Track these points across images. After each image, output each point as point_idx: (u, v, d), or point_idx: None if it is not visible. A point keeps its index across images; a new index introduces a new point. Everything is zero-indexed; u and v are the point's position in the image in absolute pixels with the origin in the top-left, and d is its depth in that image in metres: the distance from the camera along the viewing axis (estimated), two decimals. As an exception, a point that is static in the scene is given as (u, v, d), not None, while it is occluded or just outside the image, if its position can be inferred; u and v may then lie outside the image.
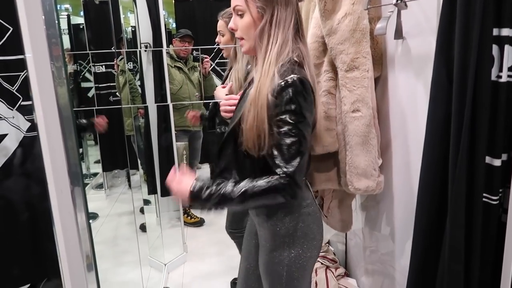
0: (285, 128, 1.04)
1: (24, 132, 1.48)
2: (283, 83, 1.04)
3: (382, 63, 1.60)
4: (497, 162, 0.81)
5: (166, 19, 4.60)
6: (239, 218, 2.01)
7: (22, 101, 1.47)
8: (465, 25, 0.78)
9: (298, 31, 1.15)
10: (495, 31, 0.76)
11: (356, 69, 1.47)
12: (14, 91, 1.47)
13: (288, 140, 1.04)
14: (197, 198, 1.08)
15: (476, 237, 0.82)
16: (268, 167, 1.07)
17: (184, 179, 1.12)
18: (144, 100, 3.15)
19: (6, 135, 1.46)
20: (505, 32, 0.75)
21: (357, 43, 1.45)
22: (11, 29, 1.40)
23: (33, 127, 1.48)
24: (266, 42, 1.11)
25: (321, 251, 2.13)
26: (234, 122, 1.17)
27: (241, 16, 1.14)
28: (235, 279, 2.41)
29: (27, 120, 1.48)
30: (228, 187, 1.06)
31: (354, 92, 1.47)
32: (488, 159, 0.82)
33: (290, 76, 1.05)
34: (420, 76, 1.36)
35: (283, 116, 1.04)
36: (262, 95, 1.05)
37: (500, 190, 0.84)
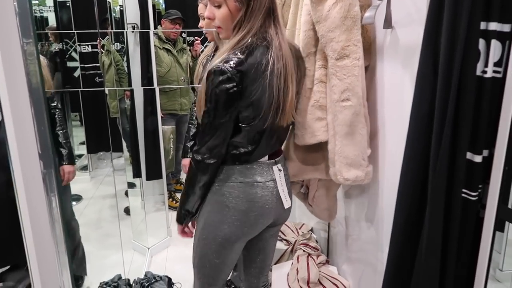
0: (204, 115, 1.20)
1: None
2: (211, 69, 1.15)
3: (371, 52, 1.58)
4: (478, 159, 0.80)
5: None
6: None
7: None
8: (452, 18, 0.76)
9: (271, 15, 1.23)
10: (482, 25, 0.75)
11: (346, 57, 1.44)
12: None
13: (203, 121, 1.21)
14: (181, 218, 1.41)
15: (453, 232, 0.82)
16: None
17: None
18: (130, 83, 3.09)
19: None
20: (493, 26, 0.74)
21: (348, 30, 1.43)
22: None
23: None
24: (237, 31, 1.20)
25: (304, 238, 2.15)
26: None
27: (218, 7, 1.19)
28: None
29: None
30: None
31: (344, 81, 1.45)
32: (469, 155, 0.81)
33: (218, 64, 1.15)
34: (408, 66, 1.34)
35: (206, 101, 1.18)
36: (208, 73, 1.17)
37: (480, 186, 0.84)
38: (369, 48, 1.57)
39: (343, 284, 1.83)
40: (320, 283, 1.84)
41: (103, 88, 3.18)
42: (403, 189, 0.94)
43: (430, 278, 0.85)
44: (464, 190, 0.83)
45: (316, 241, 2.21)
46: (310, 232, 2.25)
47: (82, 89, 3.39)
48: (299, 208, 2.53)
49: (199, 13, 2.00)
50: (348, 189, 1.89)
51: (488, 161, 0.82)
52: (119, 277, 2.00)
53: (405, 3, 1.29)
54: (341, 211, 1.95)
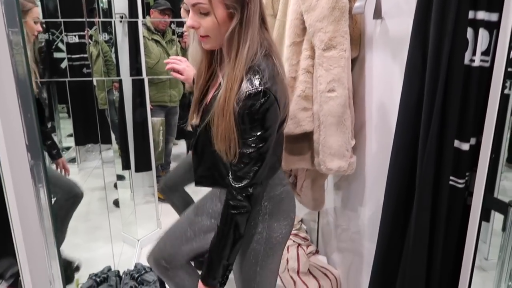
0: (247, 146, 1.04)
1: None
2: (248, 92, 0.99)
3: (360, 43, 1.58)
4: (465, 146, 0.81)
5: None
6: (179, 181, 2.11)
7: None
8: (441, 7, 0.77)
9: (262, 18, 1.07)
10: (470, 14, 0.76)
11: (333, 48, 1.44)
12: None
13: (246, 159, 1.05)
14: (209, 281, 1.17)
15: (440, 220, 0.84)
16: None
17: None
18: (118, 74, 3.06)
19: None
20: (481, 15, 0.75)
21: (335, 21, 1.43)
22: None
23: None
24: (237, 44, 1.01)
25: (294, 229, 2.16)
26: (204, 124, 1.12)
27: (205, 14, 1.00)
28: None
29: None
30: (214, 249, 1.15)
31: (331, 72, 1.45)
32: (456, 143, 0.82)
33: (255, 86, 0.99)
34: (397, 57, 1.35)
35: (247, 130, 1.02)
36: (231, 103, 1.01)
37: (467, 174, 0.85)
38: (358, 39, 1.58)
39: (332, 273, 1.86)
40: (310, 272, 1.85)
41: (91, 78, 3.13)
42: (391, 180, 0.95)
43: (418, 265, 0.86)
44: (451, 178, 0.85)
45: (306, 231, 2.23)
46: (300, 222, 2.27)
47: (69, 79, 3.33)
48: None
49: (182, 16, 1.94)
50: (338, 180, 1.91)
51: (475, 149, 0.84)
52: (109, 269, 1.99)
53: (395, -6, 1.30)
54: (331, 202, 1.97)
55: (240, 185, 1.07)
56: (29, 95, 0.73)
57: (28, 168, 0.72)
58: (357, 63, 1.61)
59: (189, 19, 1.03)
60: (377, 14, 1.37)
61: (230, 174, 1.10)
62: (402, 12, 1.30)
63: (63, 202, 2.01)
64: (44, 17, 3.78)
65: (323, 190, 1.82)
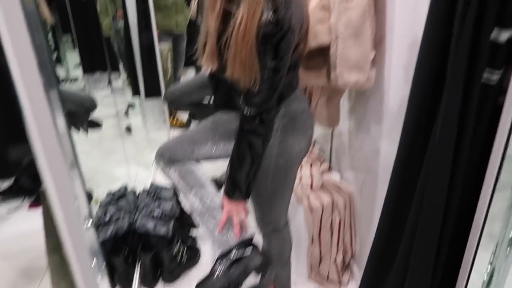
0: (262, 74, 1.05)
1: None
2: (269, 20, 0.99)
3: None
4: (504, 36, 0.75)
5: None
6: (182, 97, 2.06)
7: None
8: None
9: None
10: None
11: (354, -51, 1.32)
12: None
13: (260, 86, 1.07)
14: (232, 194, 1.22)
15: (470, 117, 0.80)
16: None
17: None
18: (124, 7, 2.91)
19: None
20: None
21: None
22: None
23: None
24: None
25: (307, 149, 2.16)
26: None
27: None
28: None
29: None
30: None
31: (351, -23, 1.34)
32: (494, 33, 0.75)
33: (271, 15, 0.98)
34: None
35: (266, 58, 1.03)
36: (252, 30, 0.99)
37: (503, 67, 0.79)
38: None
39: (345, 190, 1.88)
40: (323, 187, 1.88)
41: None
42: (413, 98, 0.89)
43: (439, 180, 0.84)
44: (485, 75, 0.79)
45: (319, 150, 2.23)
46: (313, 142, 2.26)
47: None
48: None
49: None
50: (353, 103, 1.85)
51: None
52: (125, 188, 2.04)
53: None
54: (345, 122, 1.94)
55: (255, 111, 1.12)
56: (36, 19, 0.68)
57: (43, 96, 0.68)
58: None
59: None
60: None
61: (243, 100, 1.12)
62: None
63: (76, 114, 2.03)
64: None
65: (338, 107, 1.78)
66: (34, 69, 0.63)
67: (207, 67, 1.18)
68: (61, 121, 0.92)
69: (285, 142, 1.25)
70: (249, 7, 0.98)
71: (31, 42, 0.63)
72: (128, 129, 2.95)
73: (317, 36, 1.48)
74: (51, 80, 0.80)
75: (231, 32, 1.02)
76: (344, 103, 1.91)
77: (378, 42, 1.51)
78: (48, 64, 0.79)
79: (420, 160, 0.98)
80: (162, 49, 3.13)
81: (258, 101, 1.10)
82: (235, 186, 1.21)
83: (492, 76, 0.79)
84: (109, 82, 3.66)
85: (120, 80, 3.35)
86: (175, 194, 2.01)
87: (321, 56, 1.57)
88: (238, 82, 1.08)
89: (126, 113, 3.08)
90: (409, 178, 1.04)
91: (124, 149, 2.42)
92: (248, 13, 0.98)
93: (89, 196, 2.13)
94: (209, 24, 1.09)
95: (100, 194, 2.09)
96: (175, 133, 3.29)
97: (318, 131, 2.27)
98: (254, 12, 0.98)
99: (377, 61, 1.53)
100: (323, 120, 1.77)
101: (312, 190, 1.84)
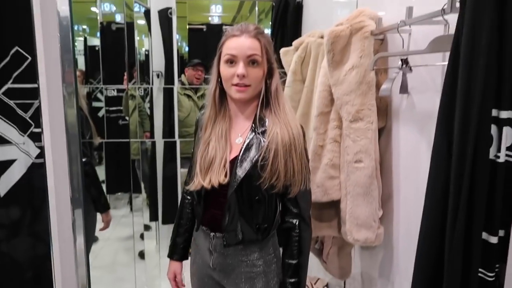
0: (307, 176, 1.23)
1: (33, 158, 1.53)
2: (299, 130, 1.21)
3: (387, 114, 1.62)
4: (493, 240, 0.81)
5: (179, 44, 4.69)
6: None
7: (34, 128, 1.53)
8: (465, 103, 0.80)
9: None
10: (494, 112, 0.78)
11: (360, 120, 1.49)
12: (27, 118, 1.53)
13: (308, 187, 1.25)
14: None
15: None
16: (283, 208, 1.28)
17: None
18: (152, 127, 3.20)
19: (15, 160, 1.50)
20: (504, 114, 0.77)
21: (363, 95, 1.48)
22: (30, 58, 1.47)
23: (42, 154, 1.54)
24: (276, 89, 1.23)
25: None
26: (245, 172, 1.18)
27: (255, 65, 1.17)
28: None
29: (37, 146, 1.53)
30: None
31: (358, 143, 1.48)
32: (484, 235, 0.82)
33: (297, 123, 1.23)
34: (424, 131, 1.37)
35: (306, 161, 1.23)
36: (296, 140, 1.19)
37: (497, 266, 0.84)
38: (386, 110, 1.62)
39: None
40: None
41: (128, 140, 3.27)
42: (419, 265, 0.94)
43: None
44: (481, 270, 0.84)
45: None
46: (325, 287, 2.21)
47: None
48: (315, 263, 2.50)
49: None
50: (365, 249, 1.88)
51: (504, 241, 0.83)
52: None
53: (420, 72, 1.34)
54: (357, 269, 1.93)
55: (308, 214, 1.28)
56: (77, 149, 0.80)
57: (70, 217, 0.78)
58: (384, 133, 1.64)
59: (240, 69, 1.15)
60: (404, 89, 1.42)
61: (295, 207, 1.25)
62: (428, 89, 1.34)
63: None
64: (87, 70, 4.07)
65: (350, 258, 1.79)
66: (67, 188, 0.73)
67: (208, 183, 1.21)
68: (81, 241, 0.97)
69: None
70: (285, 122, 1.20)
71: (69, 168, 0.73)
72: (141, 255, 2.97)
73: (328, 192, 1.58)
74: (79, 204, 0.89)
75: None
76: (356, 248, 1.92)
77: (386, 200, 1.60)
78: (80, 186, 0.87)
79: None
80: (183, 174, 3.30)
81: (309, 202, 1.28)
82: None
83: (488, 274, 0.83)
84: (130, 202, 3.79)
85: (140, 198, 3.47)
86: None
87: (333, 208, 1.66)
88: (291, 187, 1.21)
89: (141, 236, 3.13)
90: None
91: (135, 278, 2.41)
92: (287, 126, 1.20)
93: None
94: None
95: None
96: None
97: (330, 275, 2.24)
98: (295, 125, 1.22)
99: (386, 217, 1.60)
100: (335, 270, 1.77)
101: None
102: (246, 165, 1.18)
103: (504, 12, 0.76)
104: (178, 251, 1.45)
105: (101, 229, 2.23)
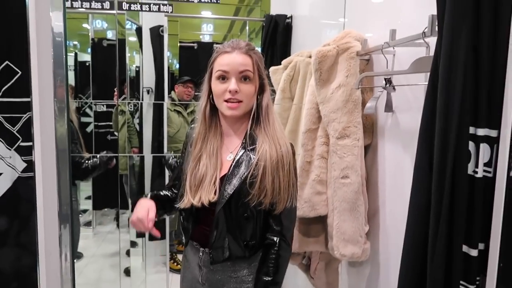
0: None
1: (19, 172, 1.52)
2: (288, 149, 1.22)
3: (373, 131, 1.66)
4: (474, 253, 0.84)
5: (170, 61, 4.73)
6: None
7: (21, 141, 1.52)
8: (443, 122, 0.84)
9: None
10: (471, 130, 0.82)
11: (347, 137, 1.53)
12: (14, 131, 1.52)
13: (294, 205, 1.24)
14: None
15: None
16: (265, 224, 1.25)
17: None
18: (141, 143, 3.20)
19: (1, 174, 1.49)
20: (481, 132, 0.81)
21: (349, 112, 1.52)
22: (20, 72, 1.48)
23: (29, 168, 1.53)
24: (267, 105, 1.24)
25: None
26: (234, 189, 1.18)
27: (247, 81, 1.18)
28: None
29: (23, 160, 1.52)
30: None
31: (344, 159, 1.52)
32: (465, 248, 0.85)
33: (286, 142, 1.23)
34: (408, 147, 1.41)
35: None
36: (285, 157, 1.19)
37: (478, 279, 0.86)
38: (372, 127, 1.66)
39: None
40: None
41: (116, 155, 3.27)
42: (404, 278, 0.96)
43: None
44: (462, 282, 0.86)
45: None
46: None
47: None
48: (302, 279, 2.49)
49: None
50: (352, 264, 1.89)
51: (484, 254, 0.86)
52: None
53: (404, 91, 1.39)
54: (345, 284, 1.93)
55: (290, 234, 1.26)
56: (66, 165, 0.82)
57: (57, 233, 0.79)
58: (370, 150, 1.68)
59: (232, 84, 1.16)
60: (388, 108, 1.46)
61: (277, 225, 1.23)
62: (412, 107, 1.39)
63: None
64: (76, 86, 4.07)
65: (337, 273, 1.80)
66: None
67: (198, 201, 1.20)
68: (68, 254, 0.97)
69: None
70: (274, 140, 1.20)
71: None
72: (127, 272, 2.93)
73: (315, 207, 1.60)
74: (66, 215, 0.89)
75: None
76: (343, 263, 1.94)
77: (372, 216, 1.63)
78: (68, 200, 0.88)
79: None
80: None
81: (292, 222, 1.27)
82: None
83: (469, 286, 0.85)
84: (116, 218, 3.75)
85: (127, 214, 3.44)
86: None
87: (320, 223, 1.68)
88: (276, 206, 1.19)
89: (127, 253, 3.09)
90: None
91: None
92: (275, 144, 1.20)
93: None
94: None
95: None
96: (174, 277, 3.24)
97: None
98: (284, 143, 1.22)
99: (372, 233, 1.62)
100: (322, 286, 1.78)
101: None
102: (235, 181, 1.19)
103: (479, 32, 0.81)
104: (152, 195, 1.38)
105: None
